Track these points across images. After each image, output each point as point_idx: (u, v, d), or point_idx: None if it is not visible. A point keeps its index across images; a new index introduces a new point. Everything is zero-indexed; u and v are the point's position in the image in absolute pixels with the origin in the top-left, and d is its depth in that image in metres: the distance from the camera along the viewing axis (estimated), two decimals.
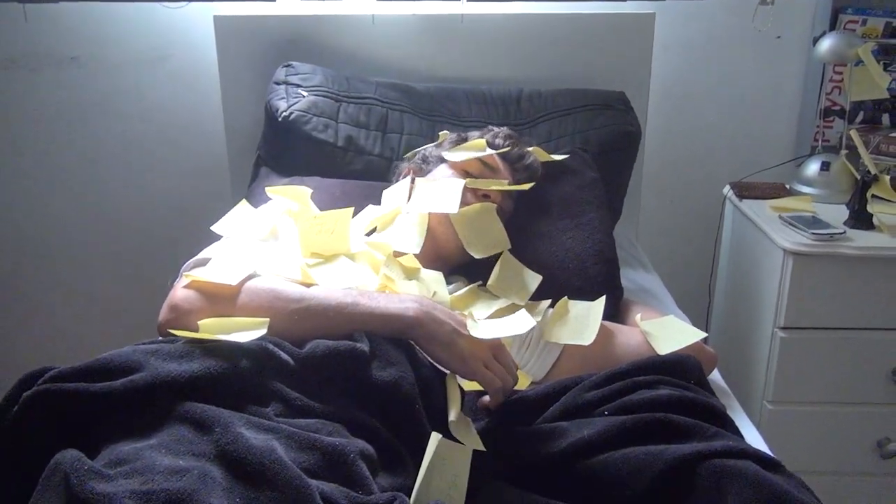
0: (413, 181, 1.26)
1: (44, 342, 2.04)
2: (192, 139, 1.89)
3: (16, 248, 1.97)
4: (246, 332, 0.81)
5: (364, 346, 0.83)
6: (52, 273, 1.99)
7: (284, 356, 0.80)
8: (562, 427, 0.91)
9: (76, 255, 1.98)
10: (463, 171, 1.26)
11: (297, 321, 0.87)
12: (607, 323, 1.15)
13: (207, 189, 1.91)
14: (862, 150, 1.59)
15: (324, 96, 1.52)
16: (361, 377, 0.82)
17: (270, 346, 0.79)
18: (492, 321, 1.01)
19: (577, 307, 1.15)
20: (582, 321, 1.11)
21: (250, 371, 0.77)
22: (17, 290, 2.01)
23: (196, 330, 0.84)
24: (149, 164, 1.91)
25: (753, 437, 1.04)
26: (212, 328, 0.83)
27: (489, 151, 1.28)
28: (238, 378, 0.76)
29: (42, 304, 2.02)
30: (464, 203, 1.19)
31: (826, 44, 1.61)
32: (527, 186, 1.29)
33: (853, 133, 1.63)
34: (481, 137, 1.33)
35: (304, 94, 1.52)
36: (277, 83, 1.55)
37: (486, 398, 0.97)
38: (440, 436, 0.82)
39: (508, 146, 1.32)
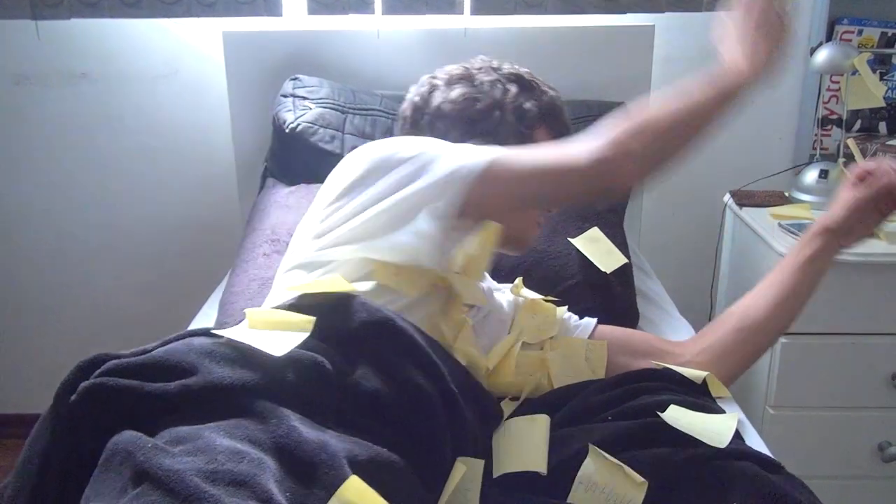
0: None
1: (55, 353, 2.05)
2: (201, 152, 1.92)
3: (26, 261, 2.00)
4: (290, 333, 0.78)
5: (423, 380, 0.81)
6: (63, 285, 2.02)
7: (332, 372, 0.78)
8: (565, 433, 0.92)
9: (86, 268, 2.00)
10: None
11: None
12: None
13: (216, 200, 1.93)
14: (859, 158, 1.60)
15: (330, 108, 1.55)
16: (414, 412, 0.80)
17: (319, 357, 0.77)
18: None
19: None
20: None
21: (302, 381, 0.76)
22: (28, 300, 2.03)
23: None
24: (158, 177, 1.94)
25: (756, 442, 1.05)
26: (257, 323, 0.81)
27: None
28: (290, 387, 0.75)
29: (53, 314, 2.04)
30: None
31: (822, 55, 1.64)
32: None
33: (850, 141, 1.66)
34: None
35: (311, 106, 1.54)
36: (285, 96, 1.58)
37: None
38: (465, 468, 0.83)
39: None
